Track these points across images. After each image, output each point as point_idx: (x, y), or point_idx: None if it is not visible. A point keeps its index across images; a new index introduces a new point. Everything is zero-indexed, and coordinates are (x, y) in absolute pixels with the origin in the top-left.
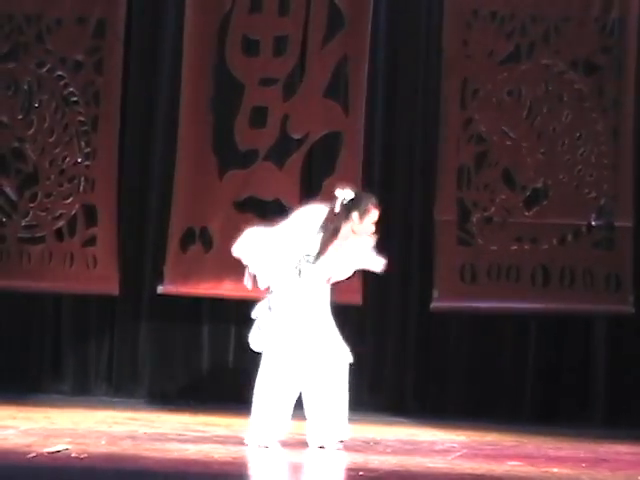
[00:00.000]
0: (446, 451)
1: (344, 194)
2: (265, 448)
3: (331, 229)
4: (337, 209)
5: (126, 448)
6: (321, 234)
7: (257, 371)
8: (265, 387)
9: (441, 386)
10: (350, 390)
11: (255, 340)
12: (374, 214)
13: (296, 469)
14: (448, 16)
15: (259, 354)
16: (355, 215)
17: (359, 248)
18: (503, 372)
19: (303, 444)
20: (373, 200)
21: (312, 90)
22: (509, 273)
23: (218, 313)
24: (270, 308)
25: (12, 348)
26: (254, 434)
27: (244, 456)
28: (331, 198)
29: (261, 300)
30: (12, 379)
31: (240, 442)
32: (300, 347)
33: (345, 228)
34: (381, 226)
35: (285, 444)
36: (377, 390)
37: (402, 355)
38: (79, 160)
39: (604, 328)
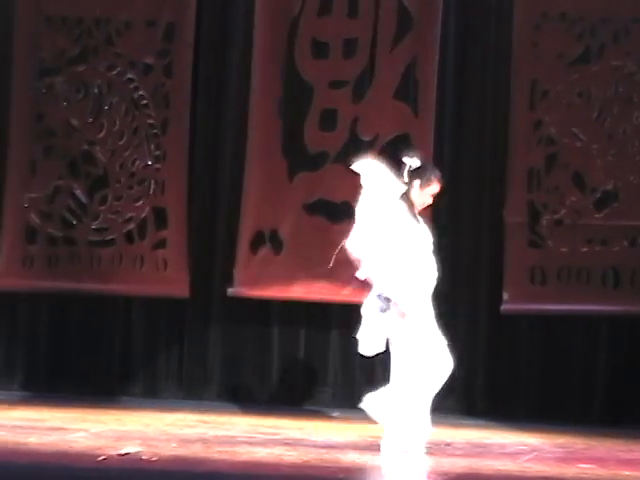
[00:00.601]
0: (516, 454)
1: (411, 162)
2: (407, 453)
3: (407, 199)
4: (403, 176)
5: (196, 451)
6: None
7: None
8: (409, 390)
9: (511, 388)
10: None
11: (369, 345)
12: (435, 187)
13: (367, 472)
14: (518, 17)
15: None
16: (417, 183)
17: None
18: (574, 374)
19: (376, 447)
20: (437, 173)
21: (382, 92)
22: (579, 275)
23: (288, 315)
24: (383, 310)
25: (83, 351)
26: (400, 439)
27: (311, 459)
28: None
29: (367, 299)
30: (83, 381)
31: (310, 445)
32: (427, 345)
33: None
34: (450, 226)
35: (356, 447)
36: (447, 392)
37: (472, 357)
38: (149, 163)
39: None
